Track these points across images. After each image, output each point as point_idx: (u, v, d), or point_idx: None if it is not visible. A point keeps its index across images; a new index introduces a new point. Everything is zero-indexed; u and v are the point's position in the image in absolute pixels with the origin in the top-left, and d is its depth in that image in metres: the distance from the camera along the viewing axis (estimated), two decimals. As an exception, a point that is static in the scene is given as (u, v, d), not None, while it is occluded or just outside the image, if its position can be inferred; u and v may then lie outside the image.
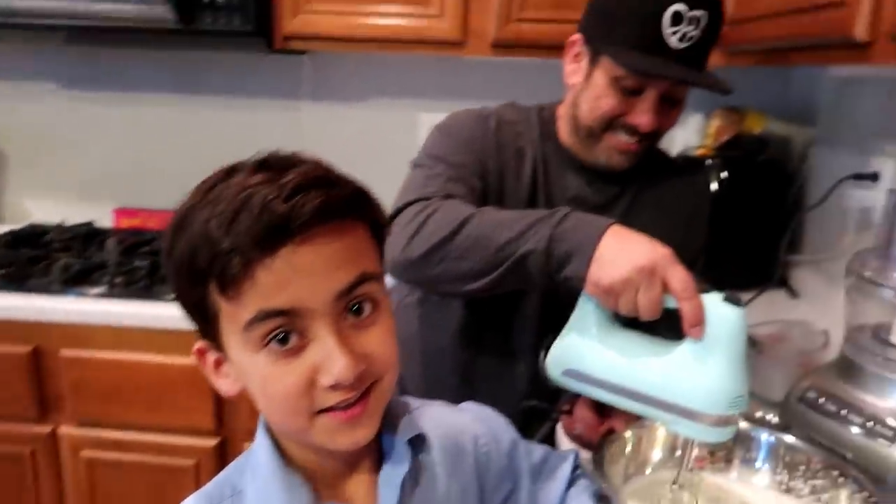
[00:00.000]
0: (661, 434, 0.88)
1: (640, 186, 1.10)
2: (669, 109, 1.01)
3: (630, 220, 0.85)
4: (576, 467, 0.82)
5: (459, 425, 0.73)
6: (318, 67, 2.06)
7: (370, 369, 0.56)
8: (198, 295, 0.54)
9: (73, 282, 1.66)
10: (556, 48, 1.11)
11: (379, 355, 0.57)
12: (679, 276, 0.74)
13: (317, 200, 0.51)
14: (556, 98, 1.12)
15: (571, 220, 0.83)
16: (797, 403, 0.92)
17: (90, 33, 1.95)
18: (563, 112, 1.10)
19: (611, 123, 1.01)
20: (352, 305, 0.55)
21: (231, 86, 2.09)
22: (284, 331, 0.53)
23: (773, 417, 0.99)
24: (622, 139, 1.02)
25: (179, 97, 2.10)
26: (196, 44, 2.00)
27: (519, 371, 1.10)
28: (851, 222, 1.47)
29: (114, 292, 1.63)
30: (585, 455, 0.86)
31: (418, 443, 0.66)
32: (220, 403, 1.62)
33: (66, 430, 1.66)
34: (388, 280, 1.17)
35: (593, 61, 1.01)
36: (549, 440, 0.96)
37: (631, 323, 0.80)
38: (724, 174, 1.70)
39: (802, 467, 0.83)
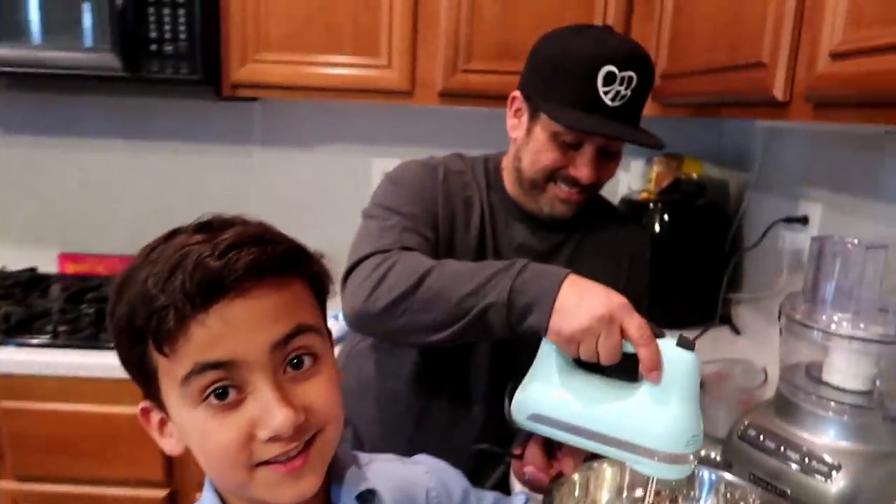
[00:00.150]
0: (608, 475, 0.90)
1: (583, 234, 1.14)
2: (607, 162, 1.06)
3: (575, 267, 0.88)
4: (526, 511, 0.83)
5: (411, 478, 0.73)
6: (269, 113, 2.05)
7: (310, 420, 0.56)
8: (138, 353, 0.55)
9: (14, 331, 1.61)
10: (501, 98, 1.14)
11: (319, 407, 0.57)
12: (636, 324, 0.77)
13: (249, 257, 0.53)
14: (503, 145, 1.16)
15: (529, 272, 0.86)
16: (738, 441, 0.94)
17: (36, 79, 1.92)
18: (506, 164, 1.13)
19: (552, 175, 1.05)
20: (291, 359, 0.56)
21: (180, 132, 2.07)
22: (222, 385, 0.53)
23: (716, 455, 1.02)
24: (563, 190, 1.06)
25: (127, 143, 2.08)
26: (144, 91, 1.99)
27: (473, 415, 1.11)
28: (785, 262, 1.54)
29: (57, 342, 1.58)
30: (537, 498, 0.87)
31: (369, 497, 0.66)
32: (169, 454, 1.58)
33: (5, 484, 1.60)
34: (341, 327, 1.18)
35: (533, 117, 1.05)
36: (503, 483, 0.97)
37: (588, 365, 0.83)
38: (665, 217, 1.77)
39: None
